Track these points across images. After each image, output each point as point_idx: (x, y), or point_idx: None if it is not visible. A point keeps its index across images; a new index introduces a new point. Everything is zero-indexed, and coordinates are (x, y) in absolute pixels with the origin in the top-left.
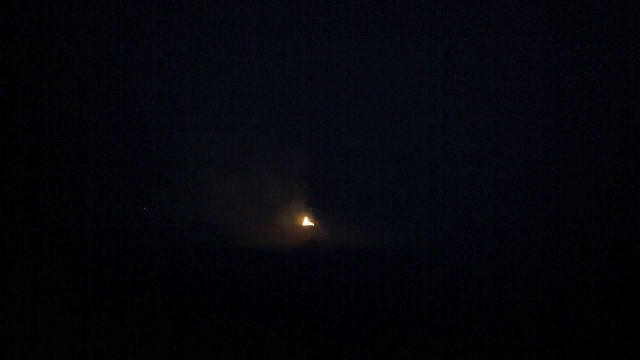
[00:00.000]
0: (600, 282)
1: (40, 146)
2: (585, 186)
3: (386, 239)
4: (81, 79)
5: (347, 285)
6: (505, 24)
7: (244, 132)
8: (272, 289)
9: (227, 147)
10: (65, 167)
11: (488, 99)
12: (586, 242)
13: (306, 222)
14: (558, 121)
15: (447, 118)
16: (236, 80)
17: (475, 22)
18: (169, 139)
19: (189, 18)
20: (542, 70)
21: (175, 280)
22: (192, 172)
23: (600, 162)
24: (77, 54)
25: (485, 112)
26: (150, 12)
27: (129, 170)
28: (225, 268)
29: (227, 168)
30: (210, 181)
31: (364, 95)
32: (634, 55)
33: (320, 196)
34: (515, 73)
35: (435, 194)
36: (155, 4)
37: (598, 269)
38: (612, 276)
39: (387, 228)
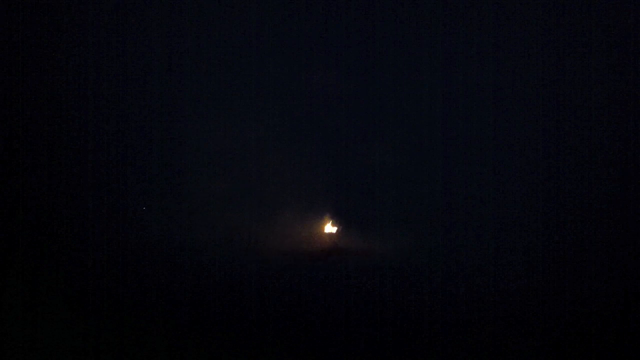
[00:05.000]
0: (602, 284)
1: (41, 146)
2: (586, 187)
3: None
4: (81, 79)
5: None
6: (506, 24)
7: (252, 133)
8: (276, 295)
9: (235, 148)
10: (65, 167)
11: (494, 103)
12: (587, 244)
13: (329, 228)
14: (559, 121)
15: (460, 123)
16: (242, 82)
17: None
18: (170, 139)
19: (191, 17)
20: (543, 71)
21: (175, 281)
22: (195, 173)
23: (600, 162)
24: (77, 54)
25: (497, 118)
26: (151, 12)
27: (129, 171)
28: (227, 271)
29: (232, 169)
30: (214, 182)
31: (372, 99)
32: (634, 54)
33: (340, 202)
34: (517, 75)
35: (448, 202)
36: (156, 3)
37: (599, 271)
38: (613, 278)
39: (405, 235)
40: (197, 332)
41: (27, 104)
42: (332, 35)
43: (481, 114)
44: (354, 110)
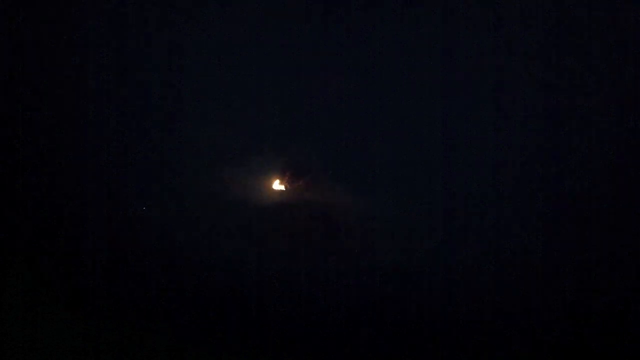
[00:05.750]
0: (602, 284)
1: (41, 146)
2: (586, 187)
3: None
4: (80, 78)
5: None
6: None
7: (251, 132)
8: (276, 295)
9: (235, 147)
10: (65, 167)
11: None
12: (587, 244)
13: (277, 185)
14: (559, 122)
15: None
16: (242, 82)
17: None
18: (170, 139)
19: (190, 14)
20: (543, 71)
21: (176, 281)
22: (195, 173)
23: (600, 162)
24: (76, 53)
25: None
26: (150, 9)
27: (129, 170)
28: (227, 271)
29: (232, 169)
30: (215, 182)
31: (367, 95)
32: (634, 54)
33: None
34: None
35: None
36: (155, 2)
37: (599, 271)
38: (613, 278)
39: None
40: (197, 332)
41: (27, 104)
42: (332, 35)
43: (481, 114)
44: (354, 110)
